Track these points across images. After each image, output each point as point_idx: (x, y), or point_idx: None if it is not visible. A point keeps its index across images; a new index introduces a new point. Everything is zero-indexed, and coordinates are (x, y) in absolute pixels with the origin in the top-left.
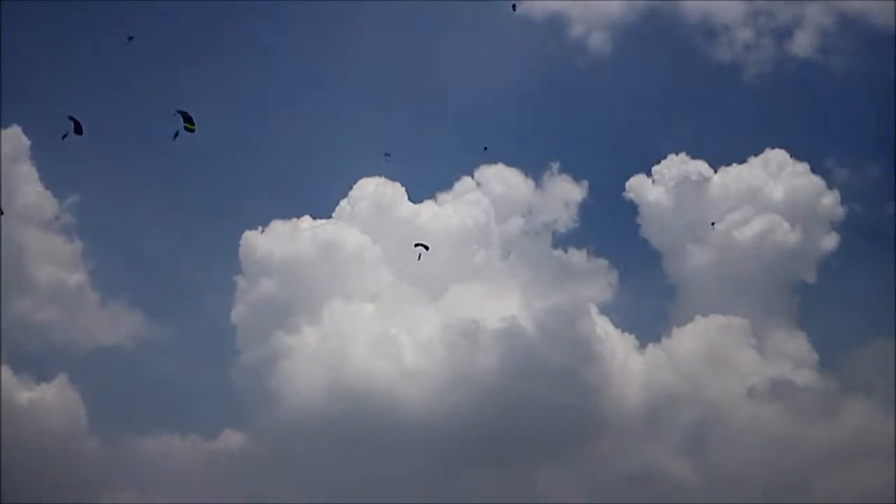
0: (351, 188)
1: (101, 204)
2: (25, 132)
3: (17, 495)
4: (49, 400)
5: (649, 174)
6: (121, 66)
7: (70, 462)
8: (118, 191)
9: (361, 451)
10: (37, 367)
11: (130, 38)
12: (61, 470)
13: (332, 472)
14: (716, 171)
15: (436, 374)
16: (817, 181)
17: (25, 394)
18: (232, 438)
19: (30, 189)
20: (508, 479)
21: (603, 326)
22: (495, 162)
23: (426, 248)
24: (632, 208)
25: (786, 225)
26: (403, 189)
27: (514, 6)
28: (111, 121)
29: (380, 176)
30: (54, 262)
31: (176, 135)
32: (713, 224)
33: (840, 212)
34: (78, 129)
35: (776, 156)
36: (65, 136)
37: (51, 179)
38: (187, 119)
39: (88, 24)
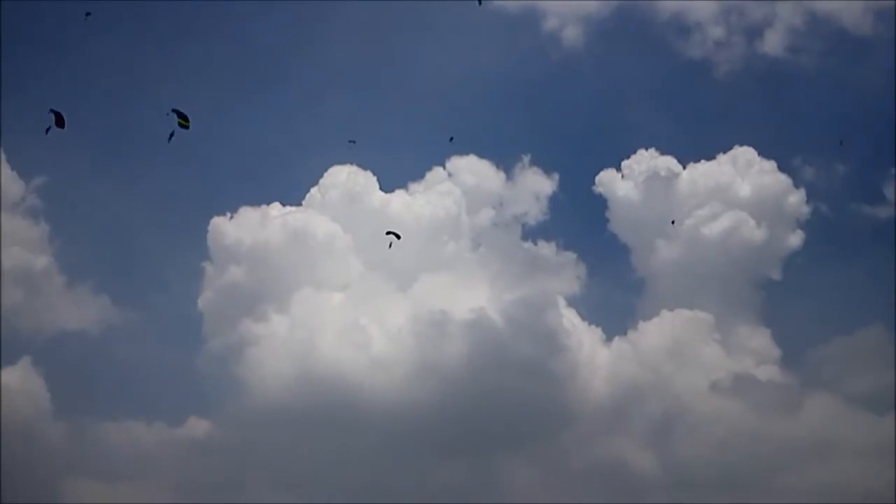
0: (322, 176)
1: (68, 187)
2: None
3: None
4: (13, 384)
5: (619, 169)
6: (90, 51)
7: (33, 447)
8: (86, 174)
9: (329, 440)
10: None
11: (88, 14)
12: (24, 455)
13: (298, 461)
14: (684, 167)
15: (404, 364)
16: (784, 179)
17: None
18: (197, 426)
19: None
20: (475, 469)
21: (570, 319)
22: (467, 153)
23: (398, 236)
24: (601, 202)
25: (752, 222)
26: (375, 178)
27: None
28: (80, 105)
29: (351, 164)
30: (20, 245)
31: (171, 135)
32: (673, 222)
33: (806, 210)
34: (59, 123)
35: (744, 153)
36: (48, 129)
37: (17, 161)
38: (181, 116)
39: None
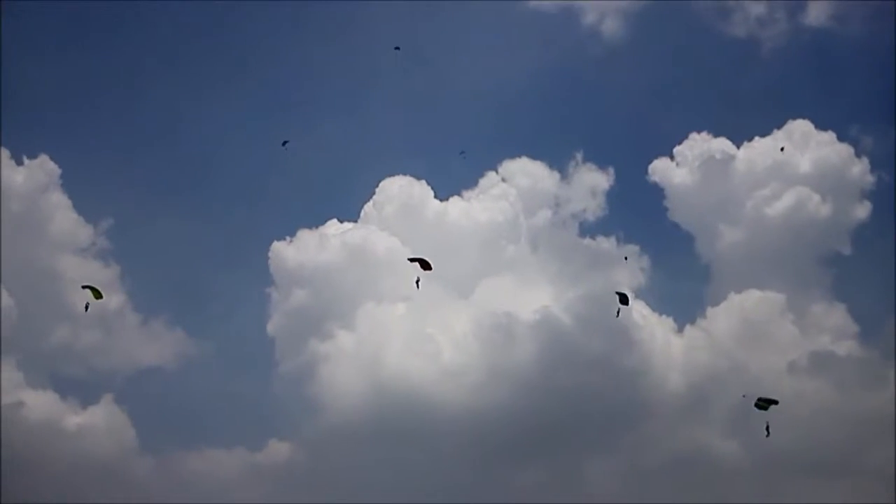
0: (375, 189)
1: (133, 226)
2: (54, 160)
3: None
4: (97, 422)
5: (672, 156)
6: (140, 88)
7: (123, 482)
8: (149, 212)
9: (404, 452)
10: (82, 391)
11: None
12: (115, 490)
13: (375, 474)
14: (739, 148)
15: (473, 369)
16: (844, 149)
17: (73, 419)
18: (277, 448)
19: (63, 217)
20: (554, 471)
21: (640, 311)
22: (519, 156)
23: (425, 266)
24: (658, 192)
25: (816, 197)
26: (429, 187)
27: None
28: (136, 144)
29: (403, 175)
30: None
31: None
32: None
33: (870, 179)
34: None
35: (800, 127)
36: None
37: (83, 206)
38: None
39: (109, 53)
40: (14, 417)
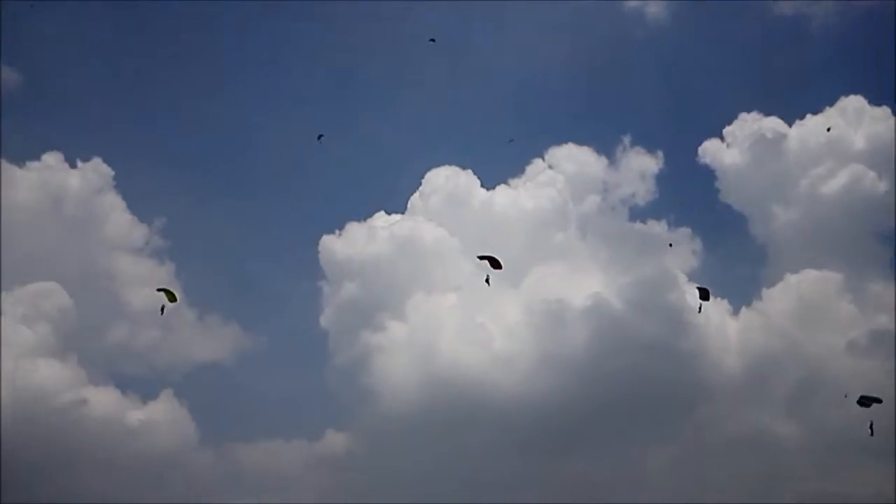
0: (421, 180)
1: (186, 225)
2: (107, 162)
3: None
4: (158, 416)
5: (722, 137)
6: (188, 88)
7: (185, 475)
8: (201, 210)
9: (458, 440)
10: (142, 387)
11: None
12: (177, 483)
13: (430, 462)
14: (791, 126)
15: (525, 357)
16: None
17: (135, 414)
18: (335, 438)
19: (118, 217)
20: (609, 457)
21: (694, 294)
22: (565, 142)
23: (495, 264)
24: (709, 174)
25: (871, 174)
26: (475, 177)
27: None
28: (186, 144)
29: (449, 165)
30: (150, 286)
31: (163, 309)
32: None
33: None
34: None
35: (853, 103)
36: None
37: (137, 206)
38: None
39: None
40: (78, 414)
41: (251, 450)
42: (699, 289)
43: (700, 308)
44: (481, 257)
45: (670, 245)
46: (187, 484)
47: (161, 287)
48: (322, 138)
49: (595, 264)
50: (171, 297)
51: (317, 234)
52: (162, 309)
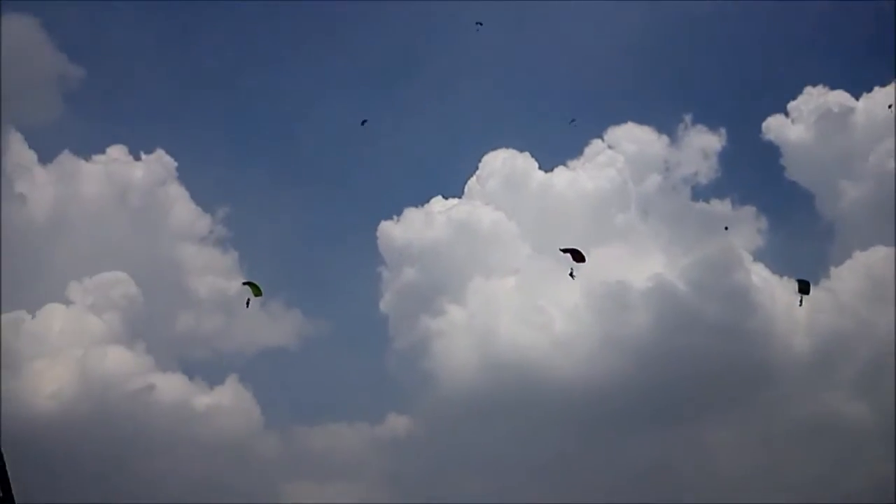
0: (478, 164)
1: (248, 213)
2: (170, 154)
3: (206, 496)
4: (224, 402)
5: (787, 113)
6: (245, 79)
7: (251, 457)
8: (262, 198)
9: (519, 422)
10: (209, 373)
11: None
12: (244, 466)
13: (492, 445)
14: (858, 99)
15: (586, 339)
16: None
17: (202, 399)
18: (397, 421)
19: (182, 208)
20: (673, 440)
21: (759, 274)
22: (624, 121)
23: (577, 257)
24: (774, 150)
25: None
26: (533, 159)
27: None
28: (246, 134)
29: (506, 148)
30: (214, 273)
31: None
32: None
33: None
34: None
35: None
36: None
37: (200, 197)
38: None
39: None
40: (147, 399)
41: (314, 433)
42: (799, 281)
43: (801, 301)
44: (564, 250)
45: (726, 228)
46: (253, 467)
47: (246, 281)
48: (366, 123)
49: (657, 245)
50: (257, 291)
51: (375, 220)
52: (247, 302)
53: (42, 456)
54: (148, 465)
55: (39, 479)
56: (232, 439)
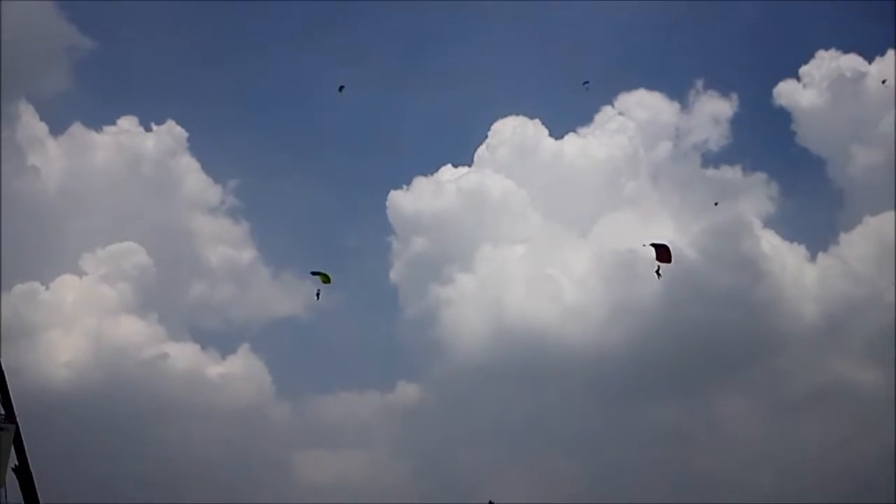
0: (487, 132)
1: (259, 184)
2: (180, 125)
3: (218, 463)
4: (237, 370)
5: (798, 77)
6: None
7: (263, 424)
8: (273, 169)
9: (528, 391)
10: (221, 342)
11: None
12: (256, 433)
13: (500, 413)
14: (871, 63)
15: (596, 307)
16: None
17: (215, 368)
18: (407, 389)
19: (194, 178)
20: (685, 407)
21: (769, 240)
22: (636, 88)
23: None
24: (785, 116)
25: None
26: (543, 126)
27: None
28: (256, 106)
29: (516, 115)
30: (225, 244)
31: (318, 294)
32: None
33: None
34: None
35: None
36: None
37: (212, 168)
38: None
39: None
40: (160, 368)
41: (326, 401)
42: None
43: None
44: (650, 245)
45: (716, 204)
46: (265, 435)
47: (315, 270)
48: (343, 90)
49: (667, 212)
50: (326, 279)
51: (385, 189)
52: (318, 294)
53: (56, 423)
54: (161, 432)
55: (54, 445)
56: (244, 408)
